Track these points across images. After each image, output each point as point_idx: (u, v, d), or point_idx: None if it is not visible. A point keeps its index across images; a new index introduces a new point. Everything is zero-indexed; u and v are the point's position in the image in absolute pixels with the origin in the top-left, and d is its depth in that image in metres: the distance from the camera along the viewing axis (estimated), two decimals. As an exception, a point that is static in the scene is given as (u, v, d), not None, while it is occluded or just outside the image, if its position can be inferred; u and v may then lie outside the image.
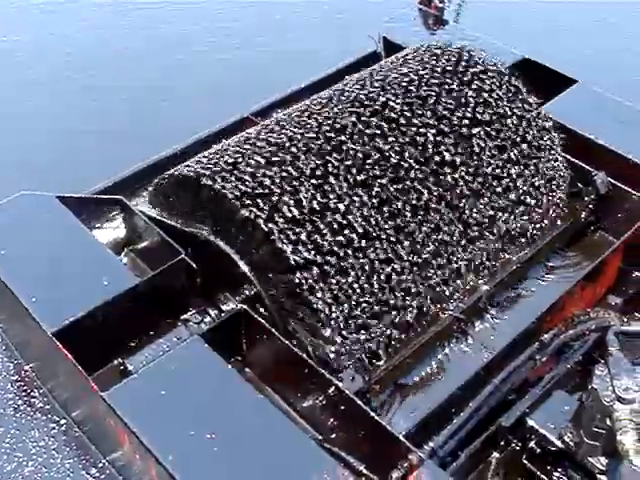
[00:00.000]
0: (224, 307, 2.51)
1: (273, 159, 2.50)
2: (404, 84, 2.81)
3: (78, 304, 2.28)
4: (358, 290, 2.40)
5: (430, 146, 2.69)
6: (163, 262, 2.42)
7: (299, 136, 2.58)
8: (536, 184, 2.90)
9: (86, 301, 2.29)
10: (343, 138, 2.59)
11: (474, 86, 2.88)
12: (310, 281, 2.32)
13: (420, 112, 2.74)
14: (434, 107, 2.78)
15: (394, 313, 2.47)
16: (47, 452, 2.24)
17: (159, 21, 5.84)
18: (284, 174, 2.46)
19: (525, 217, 2.87)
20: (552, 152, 2.97)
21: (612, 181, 2.97)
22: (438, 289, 2.59)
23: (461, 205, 2.70)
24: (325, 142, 2.57)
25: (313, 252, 2.35)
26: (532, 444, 2.38)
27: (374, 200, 2.52)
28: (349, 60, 3.56)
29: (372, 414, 2.11)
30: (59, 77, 5.23)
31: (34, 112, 4.92)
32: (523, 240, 2.85)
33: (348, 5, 5.63)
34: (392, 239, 2.50)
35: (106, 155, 4.18)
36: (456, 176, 2.69)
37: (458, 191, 2.70)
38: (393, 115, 2.71)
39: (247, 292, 2.44)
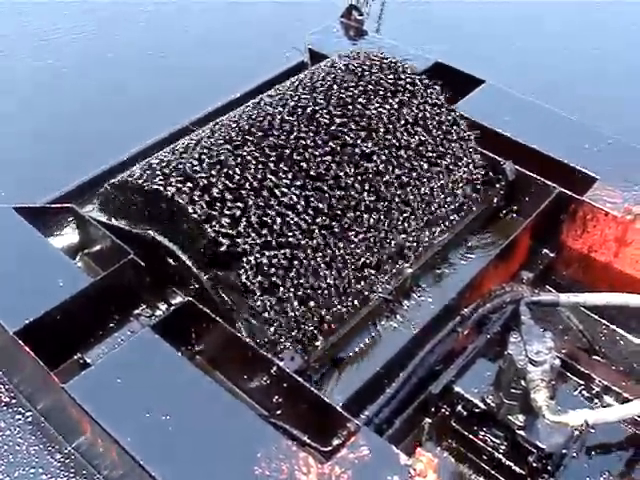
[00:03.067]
0: (172, 300, 2.51)
1: (208, 160, 2.49)
2: (320, 85, 2.85)
3: (37, 305, 2.26)
4: (294, 278, 2.40)
5: (349, 138, 2.69)
6: (114, 263, 2.41)
7: (233, 137, 2.58)
8: (454, 175, 2.93)
9: (44, 302, 2.27)
10: (272, 139, 2.59)
11: (386, 85, 2.92)
12: (248, 272, 2.32)
13: (338, 108, 2.76)
14: (347, 105, 2.79)
15: (328, 298, 2.48)
16: (13, 440, 2.22)
17: (113, 25, 5.72)
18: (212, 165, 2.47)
19: (445, 205, 2.89)
20: (467, 146, 3.01)
21: (519, 169, 3.03)
22: (368, 274, 2.61)
23: (389, 197, 2.71)
24: (257, 140, 2.57)
25: (249, 243, 2.35)
26: (459, 408, 2.43)
27: (307, 191, 2.52)
28: (280, 69, 3.58)
29: (312, 389, 2.13)
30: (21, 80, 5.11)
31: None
32: (444, 225, 2.88)
33: (276, 21, 5.64)
34: (326, 232, 2.51)
35: (59, 162, 4.10)
36: (380, 168, 2.70)
37: (384, 182, 2.71)
38: (308, 111, 2.72)
39: (193, 285, 2.44)
